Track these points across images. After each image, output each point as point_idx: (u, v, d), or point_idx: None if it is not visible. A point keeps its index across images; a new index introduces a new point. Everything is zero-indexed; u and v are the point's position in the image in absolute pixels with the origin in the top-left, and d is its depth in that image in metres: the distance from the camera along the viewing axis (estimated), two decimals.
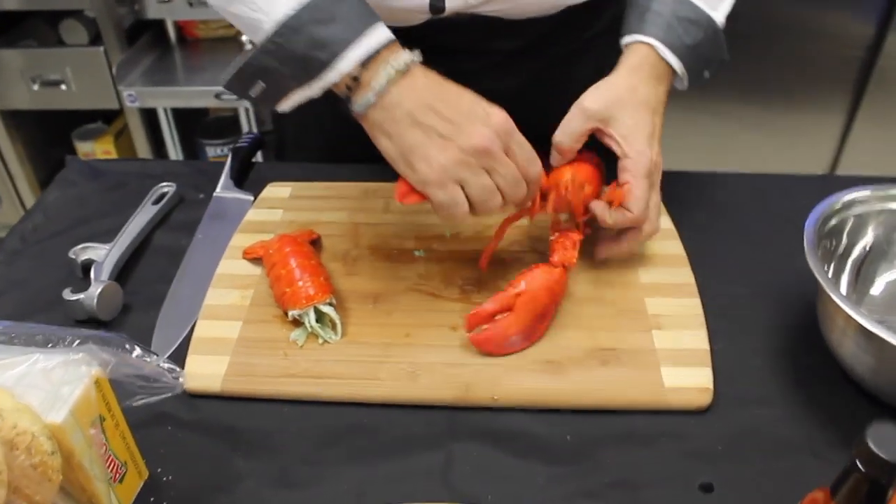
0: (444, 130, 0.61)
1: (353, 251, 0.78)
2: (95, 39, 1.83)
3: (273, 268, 0.71)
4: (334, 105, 0.65)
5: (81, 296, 0.69)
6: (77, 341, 0.54)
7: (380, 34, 0.62)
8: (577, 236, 0.71)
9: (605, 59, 0.76)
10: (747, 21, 1.70)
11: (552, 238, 0.72)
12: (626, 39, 0.74)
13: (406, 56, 0.63)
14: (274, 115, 1.07)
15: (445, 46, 0.84)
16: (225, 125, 2.06)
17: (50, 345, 0.53)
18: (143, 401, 0.56)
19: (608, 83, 0.72)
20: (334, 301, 0.69)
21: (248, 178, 0.91)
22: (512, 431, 0.61)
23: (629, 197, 0.69)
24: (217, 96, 1.80)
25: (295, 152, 1.02)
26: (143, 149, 1.98)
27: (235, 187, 0.88)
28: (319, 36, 0.60)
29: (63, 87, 1.83)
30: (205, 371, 0.64)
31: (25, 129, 2.00)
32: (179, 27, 2.00)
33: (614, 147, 0.70)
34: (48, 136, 2.09)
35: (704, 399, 0.63)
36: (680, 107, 1.82)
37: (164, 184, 0.86)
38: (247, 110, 1.94)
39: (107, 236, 0.79)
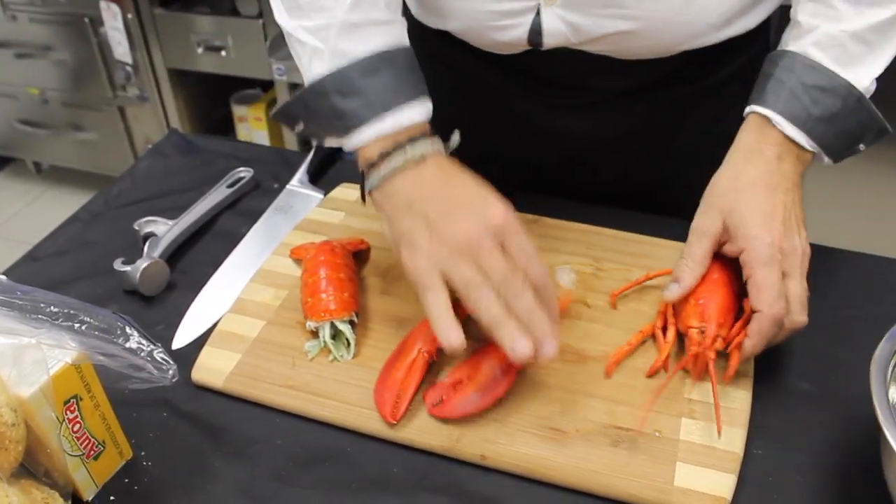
0: (435, 220, 0.59)
1: (396, 269, 0.75)
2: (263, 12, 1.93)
3: (304, 273, 0.70)
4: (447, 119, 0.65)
5: (128, 268, 0.72)
6: (81, 316, 0.56)
7: (403, 117, 0.62)
8: None
9: (728, 109, 0.70)
10: None
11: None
12: (746, 110, 0.68)
13: (424, 146, 0.61)
14: None
15: (550, 79, 0.80)
16: None
17: (59, 319, 0.56)
18: (136, 386, 0.57)
19: (718, 175, 0.66)
20: (355, 319, 0.67)
21: (326, 175, 0.91)
22: (489, 496, 0.57)
23: (753, 294, 0.61)
24: None
25: None
26: None
27: (309, 182, 0.89)
28: (339, 107, 0.62)
29: (223, 53, 1.95)
30: (214, 365, 0.65)
31: (190, 88, 2.16)
32: None
33: (730, 249, 0.64)
34: (210, 97, 2.23)
35: None
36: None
37: (242, 168, 0.88)
38: None
39: (179, 212, 0.83)
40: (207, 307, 0.73)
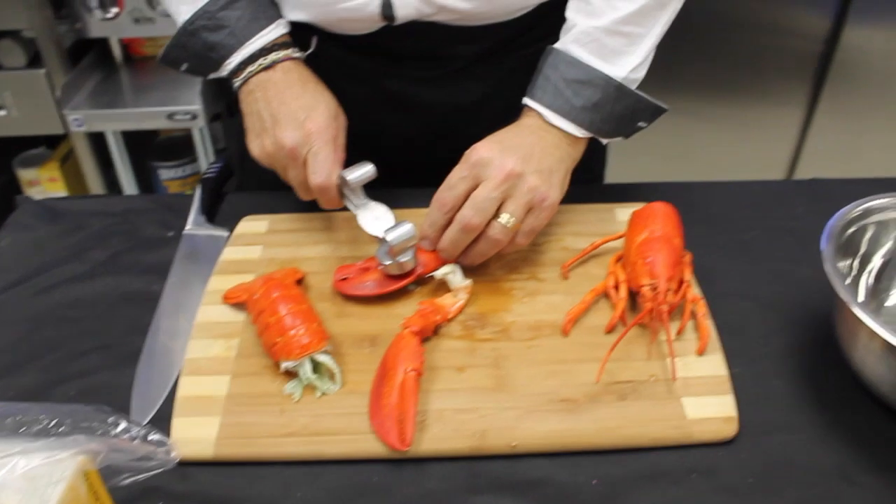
0: (268, 124, 0.71)
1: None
2: (35, 61, 1.73)
3: (260, 315, 0.65)
4: None
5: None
6: (55, 420, 0.48)
7: (264, 39, 0.73)
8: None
9: None
10: (702, 16, 1.71)
11: None
12: (523, 101, 0.73)
13: (276, 55, 0.73)
14: (225, 133, 1.02)
15: (404, 54, 0.81)
16: (178, 146, 1.98)
17: (23, 428, 0.47)
18: (132, 478, 0.50)
19: None
20: (331, 348, 0.64)
21: (219, 212, 0.85)
22: (534, 479, 0.57)
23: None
24: (169, 117, 1.72)
25: (243, 175, 0.97)
26: (91, 174, 1.89)
27: (207, 223, 0.82)
28: (210, 40, 0.73)
29: (2, 112, 1.72)
30: (194, 435, 0.59)
31: None
32: (125, 45, 1.90)
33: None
34: None
35: (730, 429, 0.60)
36: None
37: None
38: (201, 130, 1.85)
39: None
40: (153, 379, 0.65)
